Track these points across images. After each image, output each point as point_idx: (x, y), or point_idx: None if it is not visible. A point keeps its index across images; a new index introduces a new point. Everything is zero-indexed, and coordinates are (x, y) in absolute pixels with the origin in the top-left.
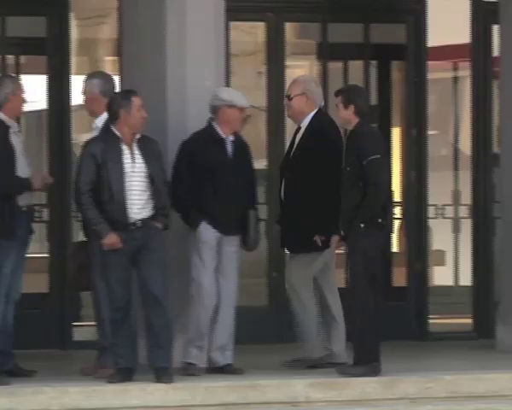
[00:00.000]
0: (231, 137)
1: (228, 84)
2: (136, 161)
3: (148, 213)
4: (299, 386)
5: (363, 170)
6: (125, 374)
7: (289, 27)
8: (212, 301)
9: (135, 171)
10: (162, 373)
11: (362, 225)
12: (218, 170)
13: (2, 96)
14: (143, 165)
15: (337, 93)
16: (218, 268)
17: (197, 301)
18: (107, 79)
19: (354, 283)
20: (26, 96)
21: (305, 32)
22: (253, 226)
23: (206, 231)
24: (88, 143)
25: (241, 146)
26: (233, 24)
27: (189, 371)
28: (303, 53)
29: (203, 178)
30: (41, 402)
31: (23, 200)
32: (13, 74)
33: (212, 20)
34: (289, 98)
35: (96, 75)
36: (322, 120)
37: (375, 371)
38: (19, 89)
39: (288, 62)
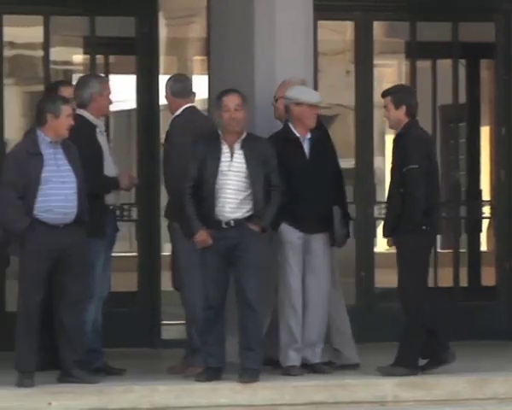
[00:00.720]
0: (308, 135)
1: (316, 83)
2: (235, 159)
3: (245, 214)
4: (388, 385)
5: (403, 176)
6: (213, 373)
7: (377, 26)
8: (299, 301)
9: (231, 170)
10: (250, 375)
11: (406, 236)
12: (295, 170)
13: (88, 96)
14: (244, 165)
15: (385, 94)
16: (307, 267)
17: (285, 303)
18: (178, 80)
19: (401, 287)
20: (113, 96)
21: (394, 31)
22: (338, 222)
23: (288, 232)
24: (193, 142)
25: (319, 143)
26: (321, 23)
27: (291, 372)
28: (391, 52)
29: (282, 178)
30: (131, 401)
31: (110, 199)
32: (101, 74)
33: (302, 18)
34: (275, 100)
35: (171, 76)
36: None
37: (415, 373)
38: (106, 89)
39: (376, 61)
